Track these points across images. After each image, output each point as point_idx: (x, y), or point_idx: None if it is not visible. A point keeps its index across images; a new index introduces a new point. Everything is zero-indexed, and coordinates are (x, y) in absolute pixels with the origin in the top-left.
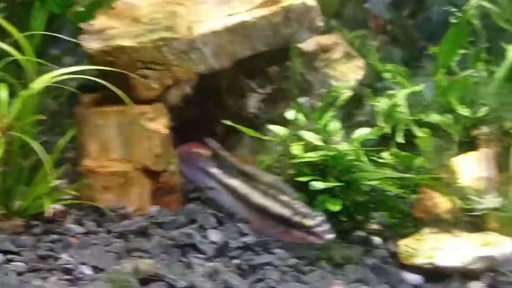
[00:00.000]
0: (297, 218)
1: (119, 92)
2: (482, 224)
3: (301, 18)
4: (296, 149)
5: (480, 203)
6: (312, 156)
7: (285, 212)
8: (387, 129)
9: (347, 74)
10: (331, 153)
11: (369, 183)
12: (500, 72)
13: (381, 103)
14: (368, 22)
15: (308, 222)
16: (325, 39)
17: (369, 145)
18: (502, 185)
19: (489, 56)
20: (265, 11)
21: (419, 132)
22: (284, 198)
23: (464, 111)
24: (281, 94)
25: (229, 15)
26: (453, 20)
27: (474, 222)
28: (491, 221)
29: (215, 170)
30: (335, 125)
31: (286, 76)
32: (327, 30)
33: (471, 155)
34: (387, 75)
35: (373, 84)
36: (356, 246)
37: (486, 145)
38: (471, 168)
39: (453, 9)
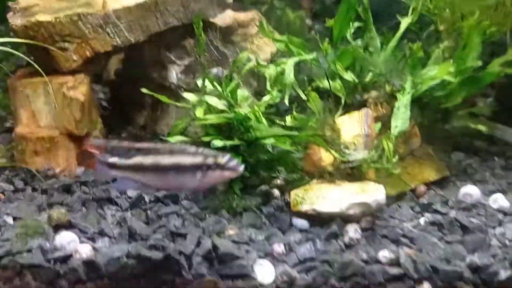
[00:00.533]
0: (209, 160)
1: (35, 64)
2: (362, 175)
3: None
4: (198, 112)
5: (352, 155)
6: (211, 118)
7: (197, 159)
8: (276, 94)
9: (263, 48)
10: (230, 116)
11: (268, 142)
12: (392, 42)
13: (269, 70)
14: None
15: (220, 159)
16: (243, 16)
17: (282, 109)
18: (378, 141)
19: (385, 28)
20: None
21: (305, 96)
22: (191, 150)
23: (349, 76)
24: (198, 65)
25: None
26: None
27: (355, 173)
28: (369, 172)
29: (114, 159)
30: (242, 92)
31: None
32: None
33: (354, 115)
34: (279, 45)
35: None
36: (257, 198)
37: (374, 107)
38: (352, 127)
39: None
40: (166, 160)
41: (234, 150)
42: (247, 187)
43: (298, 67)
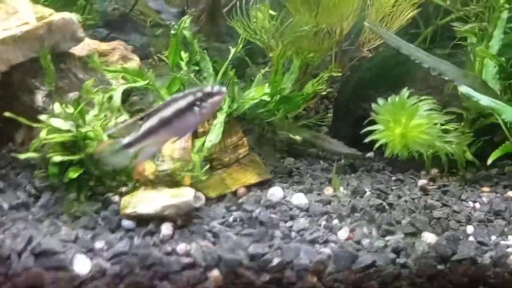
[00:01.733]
0: (199, 94)
1: None
2: (180, 181)
3: (62, 30)
4: (42, 133)
5: (162, 166)
6: (54, 137)
7: (189, 98)
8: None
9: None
10: (72, 134)
11: None
12: (222, 68)
13: (98, 97)
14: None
15: (207, 90)
16: (105, 45)
17: None
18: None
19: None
20: (31, 26)
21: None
22: (180, 95)
23: None
24: (60, 90)
25: (4, 30)
26: (172, 32)
27: (174, 180)
28: (186, 179)
29: (127, 138)
30: (93, 113)
31: (60, 76)
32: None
33: None
34: (112, 75)
35: None
36: (98, 204)
37: (202, 124)
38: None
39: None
40: (166, 112)
41: (79, 164)
42: (95, 194)
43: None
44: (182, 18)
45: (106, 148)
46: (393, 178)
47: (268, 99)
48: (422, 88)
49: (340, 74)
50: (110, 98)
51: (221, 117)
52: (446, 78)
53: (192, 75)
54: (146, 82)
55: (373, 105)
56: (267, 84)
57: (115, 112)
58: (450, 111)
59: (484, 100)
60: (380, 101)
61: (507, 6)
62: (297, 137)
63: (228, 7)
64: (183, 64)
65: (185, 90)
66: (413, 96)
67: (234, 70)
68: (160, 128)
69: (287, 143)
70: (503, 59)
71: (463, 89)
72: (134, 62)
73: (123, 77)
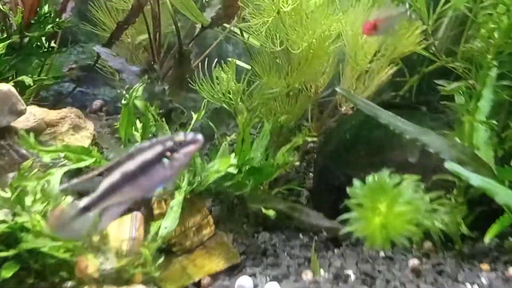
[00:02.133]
0: (169, 144)
1: None
2: (130, 279)
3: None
4: None
5: (106, 263)
6: None
7: (157, 149)
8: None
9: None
10: (4, 226)
11: (44, 249)
12: None
13: (31, 183)
14: None
15: (178, 138)
16: (53, 114)
17: None
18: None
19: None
20: None
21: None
22: (146, 144)
23: None
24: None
25: None
26: (123, 102)
27: (123, 278)
28: (137, 275)
29: (84, 200)
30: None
31: (1, 153)
32: None
33: (125, 219)
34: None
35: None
36: None
37: (158, 204)
38: (122, 231)
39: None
40: (130, 165)
41: (16, 258)
42: None
43: None
44: (134, 87)
45: (60, 216)
46: (381, 254)
47: (235, 172)
48: (409, 150)
49: (315, 139)
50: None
51: (179, 197)
52: (431, 151)
53: None
54: (92, 160)
55: (348, 189)
56: (233, 154)
57: (52, 200)
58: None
59: (474, 180)
60: (356, 182)
61: (495, 63)
62: (270, 212)
63: (197, 61)
64: (137, 135)
65: (153, 139)
66: (394, 176)
67: None
68: (123, 184)
69: (261, 215)
70: (494, 122)
71: (450, 165)
72: (87, 132)
73: (65, 157)
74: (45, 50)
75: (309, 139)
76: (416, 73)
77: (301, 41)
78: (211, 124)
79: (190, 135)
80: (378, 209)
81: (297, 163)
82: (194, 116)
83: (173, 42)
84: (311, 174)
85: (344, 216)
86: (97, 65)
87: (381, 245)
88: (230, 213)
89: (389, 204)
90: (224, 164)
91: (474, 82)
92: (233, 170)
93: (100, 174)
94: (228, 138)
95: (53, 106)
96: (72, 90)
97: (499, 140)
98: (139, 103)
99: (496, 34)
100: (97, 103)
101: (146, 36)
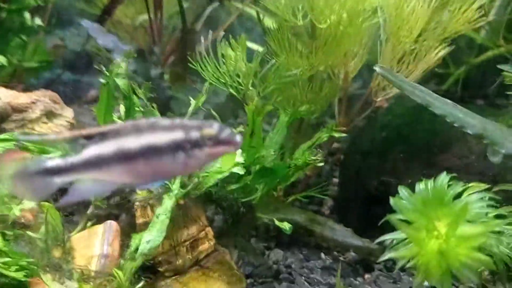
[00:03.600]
0: (194, 135)
1: None
2: None
3: None
4: None
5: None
6: None
7: (176, 135)
8: None
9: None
10: None
11: None
12: None
13: None
14: None
15: (209, 130)
16: (23, 98)
17: None
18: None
19: None
20: None
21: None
22: (164, 123)
23: None
24: None
25: None
26: (101, 81)
27: None
28: None
29: (56, 160)
30: None
31: None
32: None
33: (96, 230)
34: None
35: None
36: None
37: (142, 211)
38: (91, 245)
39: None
40: (132, 141)
41: None
42: None
43: None
44: (114, 62)
45: (17, 165)
46: (426, 283)
47: (242, 172)
48: (461, 155)
49: (343, 135)
50: None
51: (168, 203)
52: (502, 151)
53: None
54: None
55: (392, 200)
56: (240, 151)
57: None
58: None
59: None
60: (403, 191)
61: None
62: (285, 225)
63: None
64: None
65: (177, 119)
66: (457, 183)
67: None
68: (114, 161)
69: (273, 227)
70: None
71: None
72: (63, 120)
73: (24, 148)
74: (27, 27)
75: (336, 134)
76: (463, 63)
77: (329, 13)
78: (214, 113)
79: (225, 132)
80: (436, 230)
81: (321, 164)
82: (193, 103)
83: (179, 24)
84: (335, 180)
85: (387, 236)
86: (93, 49)
87: (439, 279)
88: (235, 225)
89: (451, 223)
90: (228, 163)
91: None
92: (239, 170)
93: (88, 137)
94: (235, 131)
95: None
96: (60, 74)
97: None
98: (121, 82)
99: None
100: (92, 93)
101: (147, 16)
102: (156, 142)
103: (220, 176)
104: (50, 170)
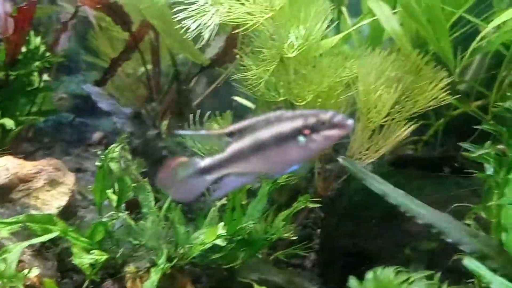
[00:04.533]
0: (311, 120)
1: None
2: None
3: None
4: None
5: None
6: None
7: (296, 123)
8: None
9: (51, 202)
10: None
11: None
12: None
13: None
14: None
15: (323, 116)
16: (28, 168)
17: None
18: None
19: None
20: None
21: None
22: (288, 114)
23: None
24: None
25: None
26: (97, 164)
27: None
28: None
29: (207, 160)
30: None
31: None
32: None
33: None
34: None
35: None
36: None
37: (132, 283)
38: None
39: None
40: (264, 133)
41: None
42: None
43: None
44: (109, 148)
45: (173, 171)
46: None
47: (223, 244)
48: None
49: (318, 205)
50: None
51: (154, 277)
52: (449, 241)
53: (125, 215)
54: (57, 232)
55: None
56: (222, 224)
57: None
58: None
59: (497, 284)
60: (353, 282)
61: None
62: None
63: (198, 100)
64: (114, 199)
65: (297, 110)
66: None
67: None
68: (253, 153)
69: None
70: None
71: (469, 262)
72: (65, 187)
73: (28, 227)
74: (34, 88)
75: (311, 205)
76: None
77: (306, 93)
78: None
79: (338, 117)
80: None
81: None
82: None
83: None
84: (319, 230)
85: None
86: None
87: None
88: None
89: None
90: (210, 235)
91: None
92: (221, 242)
93: (230, 135)
94: (218, 204)
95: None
96: (71, 120)
97: None
98: (113, 165)
99: None
100: (97, 135)
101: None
102: (281, 131)
103: (203, 247)
104: (204, 170)
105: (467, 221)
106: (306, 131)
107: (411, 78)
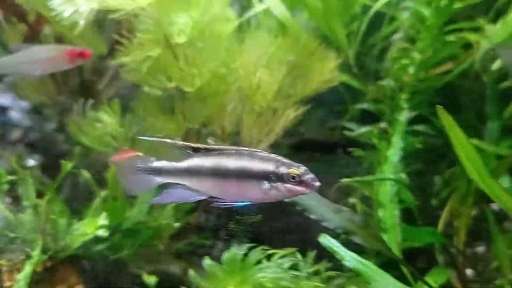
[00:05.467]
0: (282, 169)
1: None
2: None
3: None
4: None
5: None
6: None
7: (267, 166)
8: None
9: None
10: None
11: None
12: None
13: None
14: None
15: (296, 170)
16: None
17: None
18: None
19: None
20: None
21: None
22: (262, 154)
23: None
24: None
25: None
26: None
27: None
28: None
29: (161, 163)
30: None
31: None
32: None
33: None
34: None
35: None
36: None
37: (9, 275)
38: None
39: None
40: (231, 163)
41: None
42: None
43: None
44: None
45: (127, 160)
46: None
47: (106, 235)
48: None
49: None
50: None
51: (27, 269)
52: (312, 217)
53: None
54: None
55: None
56: (104, 214)
57: None
58: None
59: (350, 261)
60: (207, 261)
61: (406, 106)
62: (151, 279)
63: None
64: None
65: (271, 154)
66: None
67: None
68: (210, 176)
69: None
70: (403, 176)
71: (323, 239)
72: None
73: None
74: None
75: None
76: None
77: (194, 79)
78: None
79: (308, 175)
80: None
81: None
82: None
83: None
84: None
85: None
86: None
87: None
88: (108, 281)
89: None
90: (91, 226)
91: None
92: (103, 232)
93: (195, 150)
94: (102, 194)
95: None
96: None
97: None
98: None
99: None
100: (16, 133)
101: None
102: (248, 167)
103: (84, 238)
104: (155, 170)
105: (352, 199)
106: (273, 178)
107: (301, 61)
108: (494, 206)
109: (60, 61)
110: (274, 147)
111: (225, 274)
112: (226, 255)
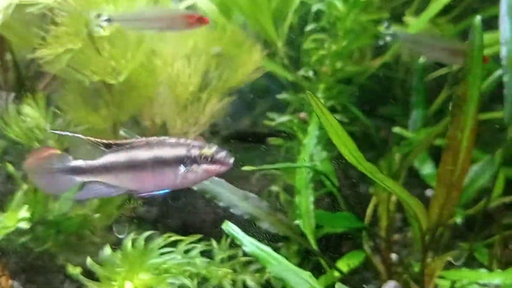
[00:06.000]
0: (194, 152)
1: None
2: None
3: None
4: None
5: None
6: None
7: (179, 151)
8: None
9: None
10: None
11: None
12: None
13: None
14: None
15: (207, 151)
16: None
17: None
18: None
19: None
20: None
21: None
22: (171, 141)
23: None
24: None
25: None
26: None
27: None
28: None
29: (79, 162)
30: None
31: None
32: None
33: None
34: None
35: None
36: None
37: None
38: None
39: None
40: (143, 154)
41: None
42: None
43: None
44: None
45: (43, 161)
46: None
47: (27, 227)
48: None
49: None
50: None
51: None
52: (221, 205)
53: None
54: None
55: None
56: (26, 207)
57: None
58: None
59: (248, 246)
60: (106, 251)
61: (322, 95)
62: (76, 270)
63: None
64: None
65: (181, 138)
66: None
67: None
68: (125, 169)
69: None
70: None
71: (225, 226)
72: None
73: None
74: None
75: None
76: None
77: (117, 71)
78: (8, 165)
79: (221, 154)
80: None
81: None
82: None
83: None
84: None
85: None
86: None
87: None
88: (37, 273)
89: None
90: (12, 219)
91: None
92: (24, 225)
93: (107, 146)
94: (25, 186)
95: None
96: None
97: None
98: None
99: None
100: None
101: None
102: (162, 156)
103: (6, 231)
104: (73, 169)
105: (274, 187)
106: (187, 161)
107: (227, 53)
108: (428, 193)
109: (180, 23)
110: (209, 139)
111: (121, 260)
112: (124, 242)
